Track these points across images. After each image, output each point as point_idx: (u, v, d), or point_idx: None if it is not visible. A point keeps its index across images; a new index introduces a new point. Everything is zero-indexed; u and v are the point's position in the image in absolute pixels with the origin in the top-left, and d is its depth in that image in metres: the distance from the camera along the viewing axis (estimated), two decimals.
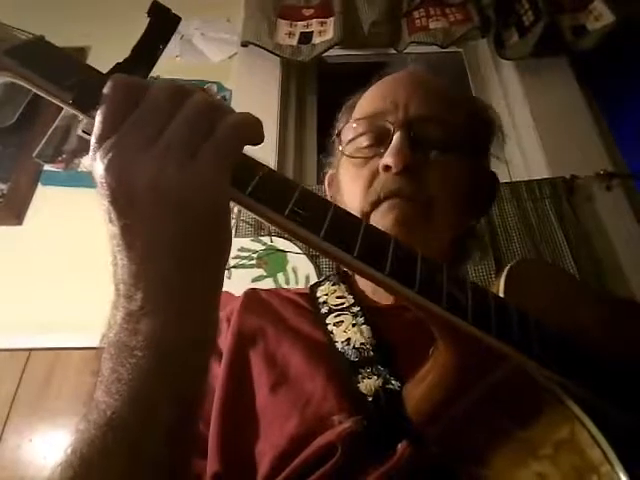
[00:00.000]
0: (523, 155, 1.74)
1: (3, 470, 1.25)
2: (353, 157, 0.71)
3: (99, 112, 0.35)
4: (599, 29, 1.75)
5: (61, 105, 0.37)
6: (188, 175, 0.34)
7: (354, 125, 0.73)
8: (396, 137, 0.66)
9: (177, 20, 0.39)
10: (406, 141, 0.65)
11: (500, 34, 1.88)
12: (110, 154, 0.34)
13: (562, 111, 1.77)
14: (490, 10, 1.87)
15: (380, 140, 0.68)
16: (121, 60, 0.40)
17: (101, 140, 0.35)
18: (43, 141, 1.76)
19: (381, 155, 0.67)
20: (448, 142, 0.68)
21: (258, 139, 0.37)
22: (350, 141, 0.72)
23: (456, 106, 0.73)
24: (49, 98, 0.38)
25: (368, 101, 0.75)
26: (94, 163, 0.35)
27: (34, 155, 1.74)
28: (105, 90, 0.35)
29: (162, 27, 0.38)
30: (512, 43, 1.86)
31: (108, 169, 0.34)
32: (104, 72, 0.39)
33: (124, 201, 0.34)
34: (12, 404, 1.33)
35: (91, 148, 0.35)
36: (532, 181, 1.58)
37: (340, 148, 0.74)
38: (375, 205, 0.66)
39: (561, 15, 1.80)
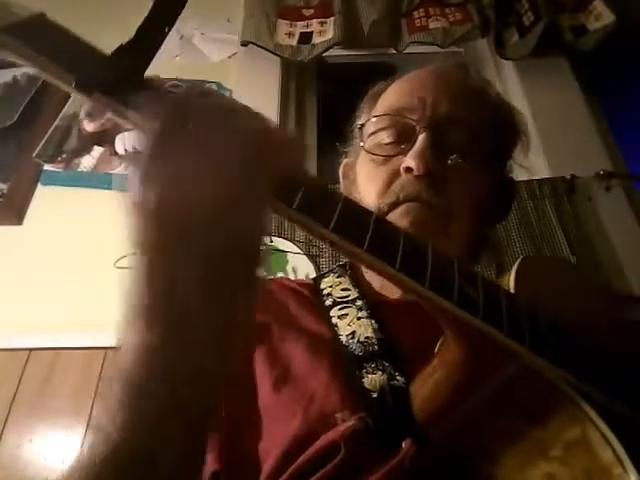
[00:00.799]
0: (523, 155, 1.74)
1: (3, 470, 1.24)
2: (373, 154, 0.68)
3: (146, 128, 0.34)
4: (599, 29, 1.75)
5: (62, 87, 0.36)
6: (226, 193, 0.33)
7: (377, 119, 0.70)
8: (421, 138, 0.63)
9: (183, 2, 0.37)
10: (430, 144, 0.63)
11: (500, 34, 1.88)
12: (161, 172, 0.33)
13: (562, 111, 1.77)
14: (490, 10, 1.87)
15: (403, 138, 0.66)
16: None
17: (148, 158, 0.34)
18: (43, 141, 1.76)
19: (403, 154, 0.64)
20: (474, 147, 0.65)
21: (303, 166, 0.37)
22: (371, 135, 0.70)
23: (484, 108, 0.70)
24: (50, 79, 0.36)
25: (394, 95, 0.72)
26: (136, 178, 0.33)
27: (34, 155, 1.73)
28: (152, 104, 0.34)
29: (167, 9, 0.37)
30: (512, 43, 1.86)
31: (157, 187, 0.32)
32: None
33: (166, 222, 0.33)
34: (12, 404, 1.32)
35: (134, 163, 0.34)
36: (532, 181, 1.57)
37: (361, 143, 0.71)
38: (393, 207, 0.64)
39: (561, 15, 1.80)
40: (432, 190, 0.62)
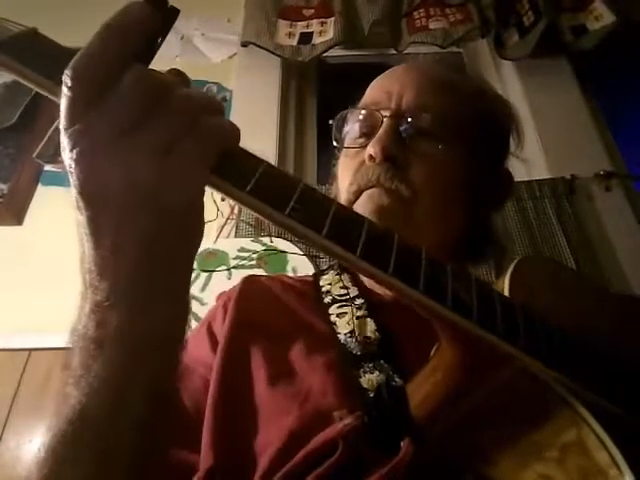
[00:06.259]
0: (523, 155, 1.74)
1: (3, 470, 1.25)
2: (345, 147, 0.71)
3: (66, 91, 0.32)
4: (599, 29, 1.75)
5: (56, 101, 0.36)
6: (162, 169, 0.32)
7: (350, 116, 0.72)
8: (382, 126, 0.64)
9: (176, 12, 0.37)
10: (391, 130, 0.64)
11: (500, 34, 1.88)
12: (80, 143, 0.32)
13: (562, 111, 1.77)
14: (490, 10, 1.87)
15: (372, 130, 0.67)
16: None
17: (69, 125, 0.33)
18: (43, 141, 1.76)
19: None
20: (443, 135, 0.65)
21: (235, 144, 0.36)
22: (346, 132, 0.72)
23: (462, 99, 0.69)
24: (44, 93, 0.36)
25: (367, 93, 0.74)
26: (63, 148, 0.33)
27: (34, 155, 1.73)
28: (75, 68, 0.32)
29: (160, 20, 0.37)
30: (512, 43, 1.86)
31: (77, 160, 0.32)
32: None
33: (92, 192, 0.32)
34: (12, 404, 1.32)
35: (61, 132, 0.33)
36: (532, 181, 1.58)
37: (334, 142, 0.73)
38: (357, 195, 0.64)
39: (561, 15, 1.80)
40: (391, 174, 0.62)
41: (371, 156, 0.63)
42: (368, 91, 0.74)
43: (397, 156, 0.63)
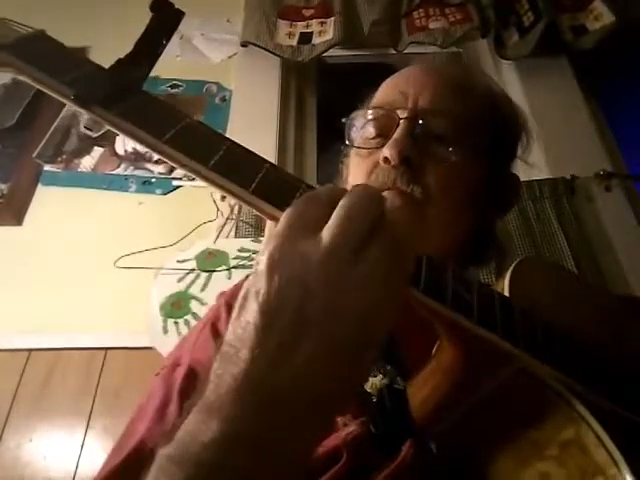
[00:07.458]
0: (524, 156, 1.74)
1: (3, 469, 1.25)
2: (357, 147, 0.69)
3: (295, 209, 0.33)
4: (599, 29, 1.75)
5: (62, 101, 0.36)
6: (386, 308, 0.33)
7: (363, 115, 0.71)
8: (399, 129, 0.64)
9: (180, 15, 0.37)
10: (408, 133, 0.63)
11: (500, 34, 1.88)
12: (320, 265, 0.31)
13: (562, 111, 1.77)
14: (490, 10, 1.87)
15: (386, 131, 0.66)
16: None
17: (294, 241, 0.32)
18: (43, 141, 1.76)
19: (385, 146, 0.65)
20: (459, 138, 0.64)
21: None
22: (359, 131, 0.70)
23: (475, 101, 0.69)
24: (50, 93, 0.36)
25: (380, 91, 0.73)
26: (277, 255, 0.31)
27: (34, 155, 1.74)
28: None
29: (165, 22, 0.37)
30: (512, 43, 1.86)
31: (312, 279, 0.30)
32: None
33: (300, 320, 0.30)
34: (12, 404, 1.33)
35: (276, 242, 0.31)
36: (532, 181, 1.57)
37: (347, 141, 0.72)
38: None
39: (561, 15, 1.80)
40: (406, 177, 0.62)
41: (386, 158, 0.63)
42: (382, 90, 0.73)
43: (412, 159, 0.62)
